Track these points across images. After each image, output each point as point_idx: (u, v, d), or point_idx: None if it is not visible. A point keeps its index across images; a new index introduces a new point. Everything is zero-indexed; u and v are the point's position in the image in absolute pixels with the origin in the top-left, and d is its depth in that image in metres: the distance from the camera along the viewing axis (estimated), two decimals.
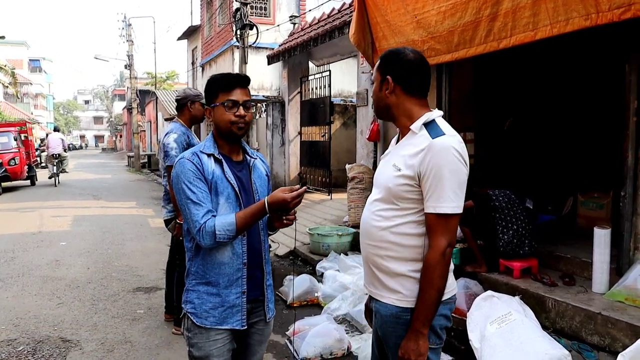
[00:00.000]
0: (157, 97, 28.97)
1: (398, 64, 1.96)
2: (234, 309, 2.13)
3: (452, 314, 2.09)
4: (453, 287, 2.02)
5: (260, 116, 13.97)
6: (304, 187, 2.08)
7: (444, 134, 1.85)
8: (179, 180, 2.07)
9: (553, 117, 7.11)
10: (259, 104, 13.87)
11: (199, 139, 4.38)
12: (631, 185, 4.03)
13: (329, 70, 10.06)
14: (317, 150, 10.97)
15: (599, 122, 6.67)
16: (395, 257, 1.94)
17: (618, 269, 4.12)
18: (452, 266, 1.98)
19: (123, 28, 27.36)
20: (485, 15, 4.50)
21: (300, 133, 11.66)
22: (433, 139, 1.84)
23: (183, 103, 4.31)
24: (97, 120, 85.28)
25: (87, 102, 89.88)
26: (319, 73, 10.61)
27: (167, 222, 4.36)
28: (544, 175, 6.62)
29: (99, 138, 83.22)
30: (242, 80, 2.17)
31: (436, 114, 1.94)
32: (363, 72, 7.61)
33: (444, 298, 1.92)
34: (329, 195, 10.20)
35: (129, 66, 26.65)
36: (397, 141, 2.06)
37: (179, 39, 21.32)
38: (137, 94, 27.09)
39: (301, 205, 9.35)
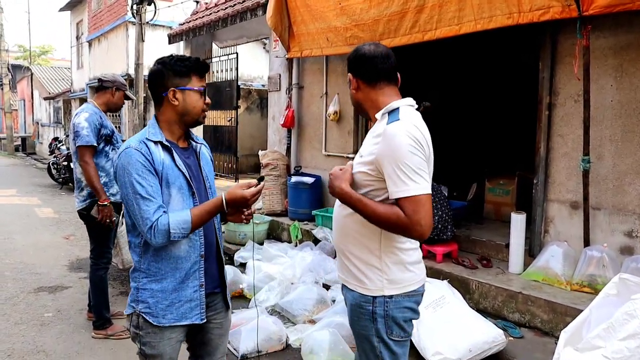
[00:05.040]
0: (32, 73, 26.36)
1: (354, 59, 2.02)
2: (192, 304, 2.07)
3: None
4: (419, 279, 2.01)
5: None
6: (263, 183, 2.05)
7: (399, 120, 1.85)
8: (126, 173, 1.92)
9: (462, 107, 7.53)
10: None
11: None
12: (543, 173, 4.37)
13: (236, 53, 9.77)
14: (222, 135, 10.66)
15: (504, 112, 7.18)
16: (356, 244, 1.98)
17: (530, 251, 4.46)
18: (418, 256, 2.02)
19: None
20: (412, 6, 4.60)
21: None
22: (388, 124, 1.85)
23: (107, 86, 4.04)
24: None
25: None
26: (224, 55, 10.27)
27: (81, 214, 3.97)
28: (451, 163, 7.00)
29: None
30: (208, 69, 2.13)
31: (402, 102, 1.95)
32: (277, 57, 7.46)
33: (407, 290, 1.96)
34: (236, 181, 9.97)
35: None
36: None
37: (61, 10, 19.46)
38: (9, 69, 24.40)
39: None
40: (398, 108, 1.91)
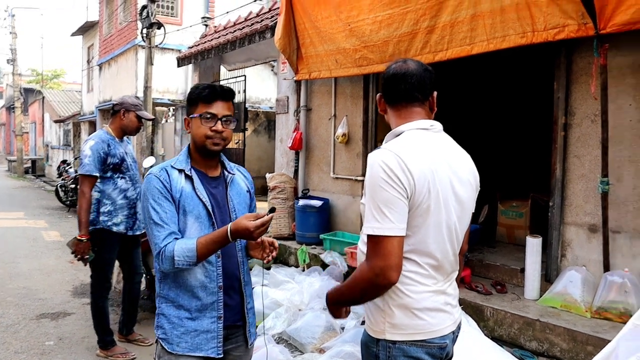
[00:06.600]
0: (43, 97, 26.68)
1: (383, 78, 1.88)
2: (208, 335, 2.01)
3: None
4: (434, 329, 1.72)
5: (167, 121, 13.29)
6: (271, 215, 1.92)
7: (381, 147, 1.71)
8: (144, 198, 1.98)
9: (473, 127, 7.43)
10: (164, 108, 13.19)
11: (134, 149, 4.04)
12: (559, 196, 4.23)
13: (244, 76, 9.79)
14: (229, 157, 10.30)
15: (517, 132, 7.06)
16: None
17: (546, 276, 4.29)
18: (435, 301, 1.73)
19: (5, 19, 24.91)
20: (423, 27, 4.54)
21: None
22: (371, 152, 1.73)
23: (117, 110, 3.96)
24: None
25: None
26: (232, 78, 10.29)
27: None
28: None
29: None
30: (226, 94, 2.05)
31: (410, 126, 1.76)
32: (285, 79, 7.43)
33: (414, 338, 1.71)
34: None
35: (12, 61, 24.26)
36: None
37: (73, 34, 19.75)
38: (22, 92, 24.70)
39: None
40: (402, 132, 1.75)
